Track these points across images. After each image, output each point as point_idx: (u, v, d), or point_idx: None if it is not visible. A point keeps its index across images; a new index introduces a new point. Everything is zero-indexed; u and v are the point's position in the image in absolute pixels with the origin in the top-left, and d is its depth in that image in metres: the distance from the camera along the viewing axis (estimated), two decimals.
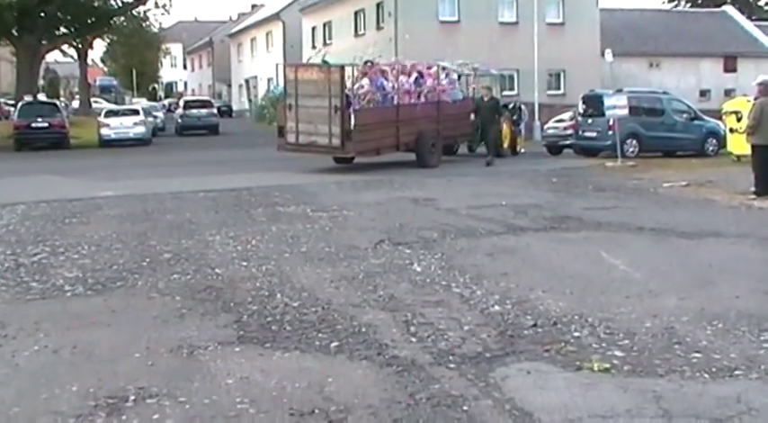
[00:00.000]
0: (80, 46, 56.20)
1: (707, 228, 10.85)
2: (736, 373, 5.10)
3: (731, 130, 21.58)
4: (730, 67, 49.23)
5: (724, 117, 22.73)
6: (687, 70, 47.45)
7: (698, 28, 49.98)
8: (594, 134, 23.92)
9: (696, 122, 25.38)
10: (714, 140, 25.01)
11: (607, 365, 5.23)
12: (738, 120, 20.23)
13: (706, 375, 5.06)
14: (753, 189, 14.04)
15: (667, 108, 25.01)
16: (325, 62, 20.74)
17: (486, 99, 21.87)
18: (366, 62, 20.35)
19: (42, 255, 9.19)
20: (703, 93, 46.94)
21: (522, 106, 27.04)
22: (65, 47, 55.16)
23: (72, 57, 59.84)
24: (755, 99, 14.53)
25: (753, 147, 14.27)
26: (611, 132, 22.41)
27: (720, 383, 4.92)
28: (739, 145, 19.13)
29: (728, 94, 42.27)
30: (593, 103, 24.04)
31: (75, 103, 62.21)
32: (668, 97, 25.83)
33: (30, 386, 4.95)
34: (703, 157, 24.03)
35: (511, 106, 26.36)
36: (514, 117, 26.09)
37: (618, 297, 6.98)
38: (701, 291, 7.24)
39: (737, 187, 15.07)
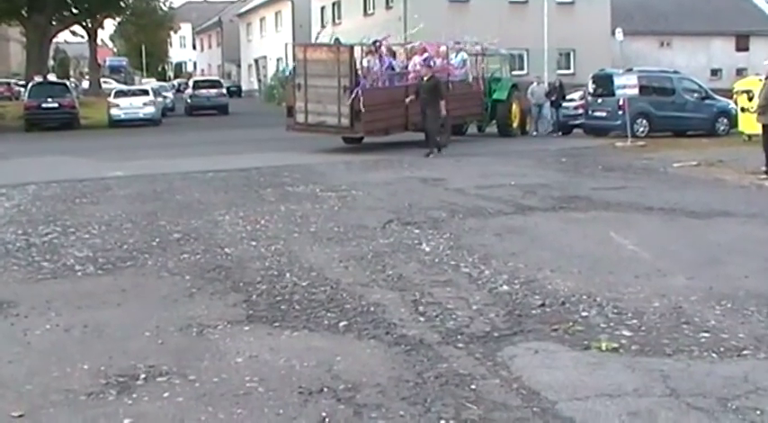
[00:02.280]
0: (90, 26, 56.16)
1: (716, 207, 10.82)
2: (744, 352, 5.10)
3: (742, 110, 21.47)
4: (742, 45, 48.89)
5: (735, 96, 22.59)
6: (698, 49, 47.16)
7: (709, 6, 49.57)
8: (604, 114, 23.82)
9: (707, 102, 25.22)
10: (725, 120, 24.86)
11: (615, 345, 5.24)
12: (750, 99, 20.10)
13: (714, 355, 5.06)
14: (764, 168, 13.99)
15: (678, 87, 24.86)
16: (337, 40, 20.60)
17: (426, 79, 18.95)
18: (374, 42, 20.26)
19: (53, 234, 9.24)
20: (714, 72, 46.64)
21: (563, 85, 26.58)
22: (74, 27, 55.13)
23: (82, 37, 59.79)
24: (766, 78, 14.45)
25: (763, 126, 14.21)
26: (621, 112, 22.31)
27: (728, 363, 4.93)
28: (750, 124, 19.01)
29: (740, 73, 42.02)
30: (604, 83, 23.92)
31: (85, 84, 62.23)
32: (679, 76, 25.66)
33: (41, 364, 5.00)
34: (714, 136, 23.90)
35: (550, 86, 25.82)
36: (553, 97, 25.49)
37: (626, 277, 6.98)
38: (709, 270, 7.24)
39: (748, 167, 15.01)
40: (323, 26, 47.18)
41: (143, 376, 4.76)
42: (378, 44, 20.10)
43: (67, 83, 38.43)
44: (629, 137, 21.40)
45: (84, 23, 54.57)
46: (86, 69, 72.60)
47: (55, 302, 6.39)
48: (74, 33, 58.03)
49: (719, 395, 4.37)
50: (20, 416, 4.23)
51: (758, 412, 4.16)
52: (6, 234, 9.35)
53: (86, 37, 58.22)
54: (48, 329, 5.73)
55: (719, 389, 4.47)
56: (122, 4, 52.54)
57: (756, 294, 6.35)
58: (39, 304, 6.34)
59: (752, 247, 8.31)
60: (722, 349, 5.15)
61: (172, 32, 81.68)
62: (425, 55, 20.97)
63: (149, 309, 6.20)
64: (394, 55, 20.71)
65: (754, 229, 9.36)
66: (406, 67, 20.79)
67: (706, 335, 5.43)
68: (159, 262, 7.80)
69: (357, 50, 19.58)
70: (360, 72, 19.10)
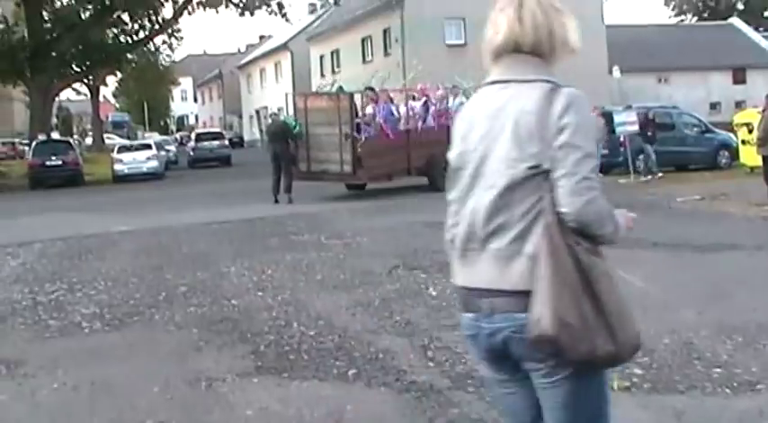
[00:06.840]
0: (92, 83, 56.75)
1: (722, 241, 10.78)
2: (758, 386, 5.04)
3: (743, 142, 21.51)
4: (739, 78, 49.25)
5: (735, 129, 22.66)
6: (696, 84, 47.44)
7: (705, 41, 50.01)
8: (606, 152, 23.84)
9: (707, 135, 25.31)
10: (726, 153, 24.92)
11: (627, 384, 5.19)
12: (750, 131, 20.16)
13: (727, 390, 5.01)
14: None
15: (678, 122, 24.96)
16: (341, 89, 20.73)
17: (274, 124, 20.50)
18: (366, 89, 20.33)
19: (59, 292, 9.24)
20: (713, 105, 46.88)
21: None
22: (77, 85, 55.67)
23: (84, 94, 60.45)
24: (764, 110, 14.52)
25: (764, 158, 14.24)
26: (622, 149, 22.37)
27: (742, 398, 4.87)
28: (752, 157, 19.03)
29: (739, 105, 42.21)
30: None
31: (89, 140, 62.76)
32: (678, 111, 25.78)
33: None
34: (716, 169, 23.92)
35: (640, 119, 23.36)
36: (650, 132, 22.20)
37: (636, 313, 6.90)
38: (718, 304, 7.19)
39: (752, 199, 14.99)
40: (322, 76, 47.66)
41: None
42: (372, 91, 20.12)
43: (71, 140, 38.78)
44: (631, 173, 21.43)
45: (86, 81, 55.12)
46: (89, 126, 73.23)
47: (62, 360, 6.36)
48: (76, 91, 58.62)
49: None
50: None
51: None
52: (13, 293, 9.34)
53: (89, 94, 58.82)
54: (55, 388, 5.69)
55: None
56: (124, 59, 52.97)
57: (767, 327, 6.30)
58: (46, 363, 6.31)
59: (760, 279, 8.27)
60: (735, 384, 5.10)
61: (172, 87, 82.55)
62: (423, 99, 21.12)
63: (157, 363, 6.17)
64: (392, 100, 20.83)
65: (761, 262, 9.33)
66: (403, 112, 20.88)
67: (718, 370, 5.38)
68: (166, 316, 7.78)
69: (357, 97, 19.73)
70: (360, 119, 19.22)
